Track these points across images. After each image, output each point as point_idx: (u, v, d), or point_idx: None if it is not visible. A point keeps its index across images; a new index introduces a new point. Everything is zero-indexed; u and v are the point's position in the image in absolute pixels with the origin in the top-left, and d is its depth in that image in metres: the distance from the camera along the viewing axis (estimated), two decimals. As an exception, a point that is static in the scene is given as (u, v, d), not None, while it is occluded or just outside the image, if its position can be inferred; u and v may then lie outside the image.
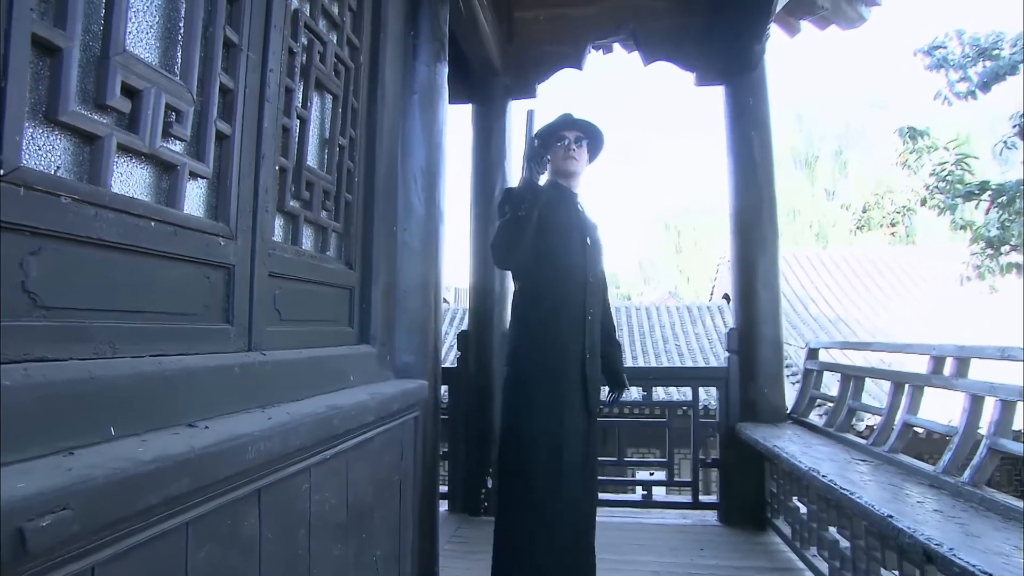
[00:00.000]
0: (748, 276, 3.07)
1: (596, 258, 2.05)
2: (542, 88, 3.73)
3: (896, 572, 1.69)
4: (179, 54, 0.92)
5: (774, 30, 3.57)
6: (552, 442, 1.80)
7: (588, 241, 2.02)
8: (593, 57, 3.94)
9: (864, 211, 8.56)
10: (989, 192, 5.64)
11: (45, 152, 0.69)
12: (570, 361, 1.87)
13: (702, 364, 9.10)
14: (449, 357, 6.81)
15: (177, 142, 0.89)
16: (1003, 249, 5.90)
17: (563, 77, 3.84)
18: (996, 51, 5.54)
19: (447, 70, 2.02)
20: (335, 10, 1.46)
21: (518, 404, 1.88)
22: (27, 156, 0.65)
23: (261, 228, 1.06)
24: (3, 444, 0.56)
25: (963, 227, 6.32)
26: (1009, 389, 1.64)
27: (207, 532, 0.74)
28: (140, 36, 0.85)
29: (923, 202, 6.59)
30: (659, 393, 6.28)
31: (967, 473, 1.68)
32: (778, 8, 3.17)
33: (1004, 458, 1.71)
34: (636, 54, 3.68)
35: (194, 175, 0.92)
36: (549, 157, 2.00)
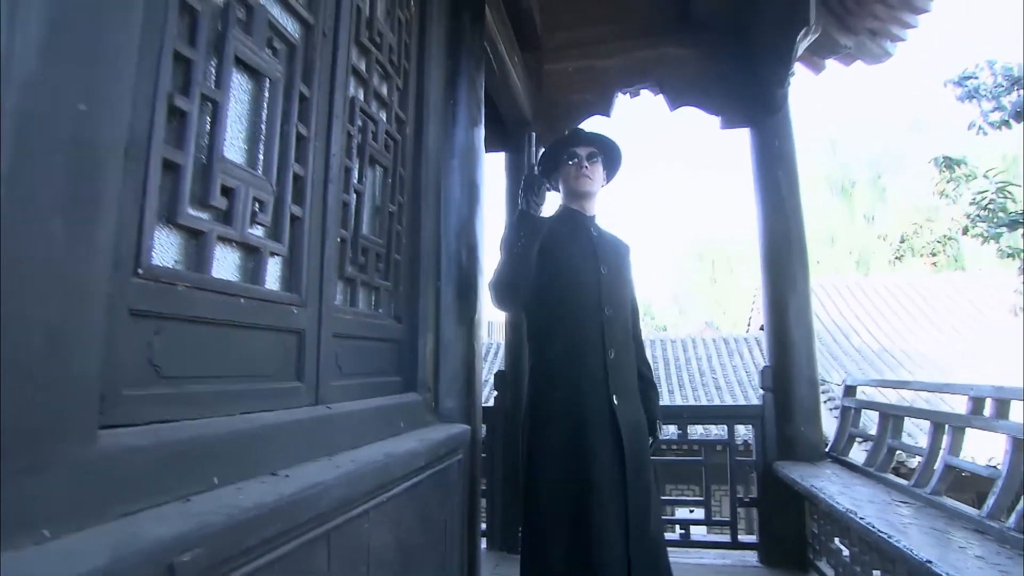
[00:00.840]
0: (780, 314, 3.10)
1: (615, 289, 1.82)
2: (571, 135, 3.90)
3: (941, 619, 1.67)
4: (261, 152, 1.08)
5: (799, 68, 3.67)
6: (576, 502, 1.61)
7: (603, 270, 1.80)
8: (620, 99, 4.10)
9: (902, 241, 8.36)
10: (1036, 221, 5.50)
11: (166, 249, 0.84)
12: (592, 409, 1.66)
13: (740, 397, 8.92)
14: (484, 392, 6.90)
15: (260, 228, 1.05)
16: (1055, 278, 5.71)
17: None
18: (1031, 81, 5.48)
19: (483, 131, 2.18)
20: (384, 90, 1.64)
21: (536, 463, 1.70)
22: (155, 255, 0.81)
23: (326, 295, 1.20)
24: (138, 493, 0.69)
25: (1011, 255, 6.13)
26: (1048, 432, 1.63)
27: (289, 570, 0.86)
28: (232, 142, 1.01)
29: (965, 231, 6.44)
30: (697, 429, 6.21)
31: (1012, 518, 1.67)
32: (800, 52, 3.28)
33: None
34: (662, 96, 3.83)
35: (273, 254, 1.07)
36: (549, 185, 1.82)
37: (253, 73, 1.06)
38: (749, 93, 3.41)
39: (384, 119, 1.60)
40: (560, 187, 1.98)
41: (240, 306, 0.96)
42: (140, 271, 0.76)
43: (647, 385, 1.95)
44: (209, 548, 0.64)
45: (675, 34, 3.63)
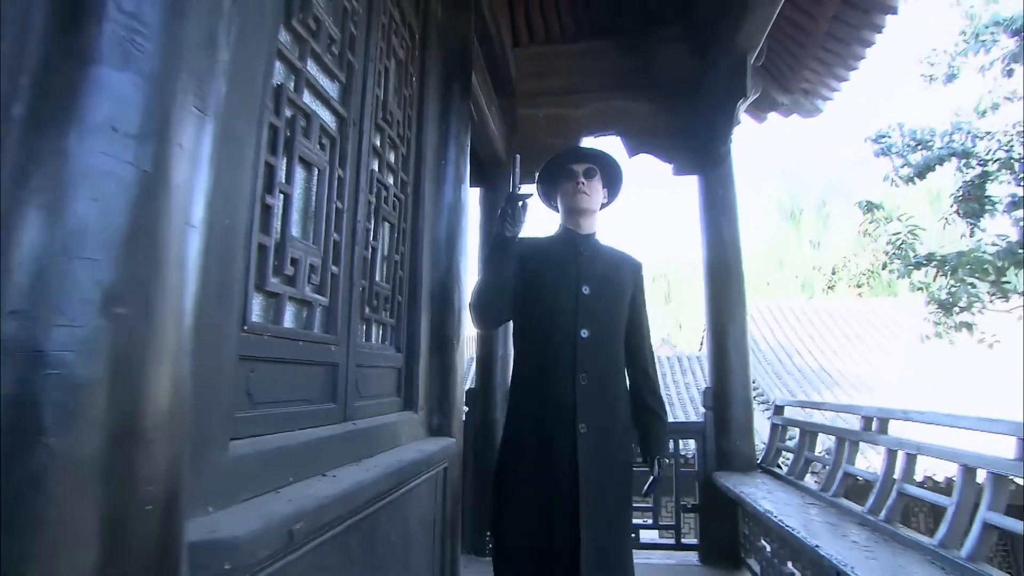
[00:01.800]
0: (720, 341, 3.54)
1: (599, 310, 1.72)
2: (541, 174, 4.30)
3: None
4: (312, 226, 1.39)
5: (744, 118, 4.19)
6: (529, 533, 1.62)
7: (585, 290, 1.71)
8: (586, 140, 4.53)
9: (833, 272, 9.34)
10: (935, 262, 6.30)
11: (257, 309, 1.15)
12: (556, 437, 1.60)
13: (692, 412, 9.46)
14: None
15: (311, 286, 1.36)
16: (954, 310, 6.51)
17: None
18: (930, 143, 6.30)
19: (468, 186, 2.53)
20: (392, 158, 1.97)
21: (501, 490, 1.71)
22: (253, 315, 1.11)
23: (352, 334, 1.52)
24: (251, 485, 1.00)
25: (920, 288, 6.96)
26: (911, 444, 2.08)
27: (335, 546, 1.16)
28: (295, 221, 1.33)
29: (884, 266, 7.26)
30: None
31: (883, 513, 2.10)
32: (740, 113, 3.77)
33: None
34: (622, 143, 4.28)
35: (319, 305, 1.39)
36: (526, 205, 1.64)
37: (308, 166, 1.38)
38: (698, 146, 3.89)
39: (392, 183, 1.93)
40: (558, 205, 1.90)
41: (299, 347, 1.26)
42: (245, 327, 1.07)
43: (651, 418, 1.80)
44: (305, 523, 0.95)
45: (636, 90, 4.08)
